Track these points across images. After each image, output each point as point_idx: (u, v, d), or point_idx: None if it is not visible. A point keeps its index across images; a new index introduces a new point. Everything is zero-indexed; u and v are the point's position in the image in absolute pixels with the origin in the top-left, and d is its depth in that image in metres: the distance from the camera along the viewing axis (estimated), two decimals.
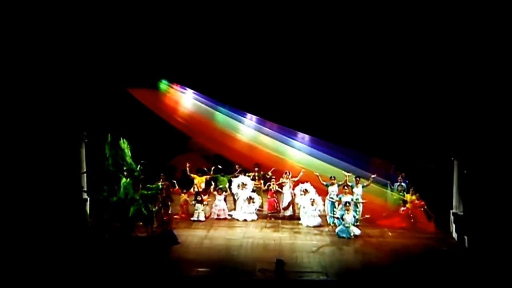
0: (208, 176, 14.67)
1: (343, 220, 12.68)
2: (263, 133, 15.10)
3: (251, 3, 13.91)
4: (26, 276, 9.71)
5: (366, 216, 13.56)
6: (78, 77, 11.85)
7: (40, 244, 10.97)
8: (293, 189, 14.18)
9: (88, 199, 12.56)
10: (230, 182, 14.55)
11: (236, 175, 14.74)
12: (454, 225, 12.88)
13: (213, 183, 14.45)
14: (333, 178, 13.82)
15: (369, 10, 13.94)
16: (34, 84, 11.65)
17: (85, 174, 12.46)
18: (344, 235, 12.54)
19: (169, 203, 12.61)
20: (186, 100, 15.13)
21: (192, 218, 13.72)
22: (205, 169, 14.88)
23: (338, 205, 13.32)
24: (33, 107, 11.67)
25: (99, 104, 12.59)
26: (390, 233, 13.07)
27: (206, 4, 13.85)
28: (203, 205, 13.90)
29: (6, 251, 10.54)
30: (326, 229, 13.25)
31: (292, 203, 14.27)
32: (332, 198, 13.65)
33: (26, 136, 11.59)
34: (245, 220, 13.86)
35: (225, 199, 14.25)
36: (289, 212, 14.29)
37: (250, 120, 15.27)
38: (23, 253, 10.55)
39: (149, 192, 12.34)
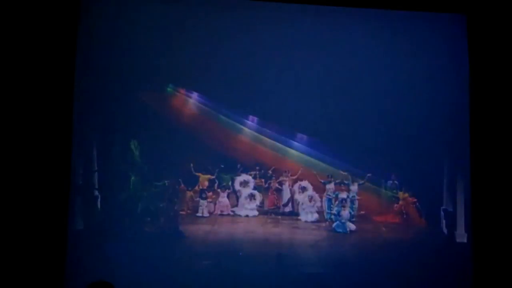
0: (212, 175, 14.77)
1: (339, 216, 13.08)
2: (264, 135, 15.24)
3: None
4: (36, 270, 10.33)
5: (362, 212, 13.90)
6: (91, 83, 11.97)
7: (52, 238, 11.29)
8: (292, 187, 14.55)
9: (99, 196, 12.75)
10: (232, 180, 14.77)
11: (239, 174, 14.95)
12: (444, 221, 13.40)
13: (217, 181, 14.63)
14: (330, 176, 14.28)
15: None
16: (47, 88, 11.64)
17: (96, 172, 12.76)
18: (341, 230, 12.94)
19: (176, 200, 13.10)
20: (191, 103, 15.16)
21: (197, 214, 13.92)
22: (209, 167, 14.89)
23: (335, 202, 13.71)
24: (46, 110, 11.64)
25: (110, 107, 12.87)
26: (384, 228, 13.45)
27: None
28: (207, 202, 14.24)
29: (15, 246, 10.88)
30: (324, 224, 13.61)
31: (291, 200, 14.73)
32: (329, 195, 14.03)
33: (41, 137, 11.60)
34: (247, 216, 14.15)
35: (228, 196, 14.51)
36: (288, 209, 14.57)
37: (252, 122, 15.40)
38: (32, 248, 10.92)
39: (156, 189, 12.76)
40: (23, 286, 10.29)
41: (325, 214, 13.92)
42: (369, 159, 14.75)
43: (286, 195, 14.53)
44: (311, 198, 13.91)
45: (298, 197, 14.19)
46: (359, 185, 14.07)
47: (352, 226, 13.13)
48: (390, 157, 14.93)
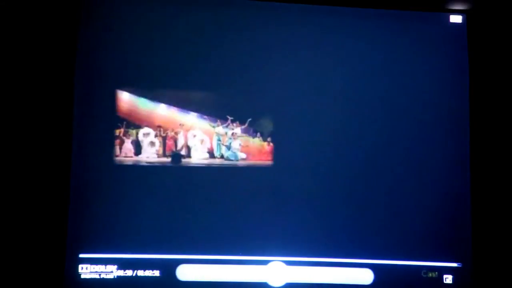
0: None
1: (230, 147, 13.16)
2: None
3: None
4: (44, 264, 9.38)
5: None
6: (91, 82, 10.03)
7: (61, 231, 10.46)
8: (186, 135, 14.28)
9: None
10: (137, 132, 14.51)
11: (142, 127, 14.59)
12: None
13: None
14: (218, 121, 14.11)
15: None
16: (47, 87, 9.56)
17: (96, 171, 11.37)
18: (233, 158, 13.08)
19: None
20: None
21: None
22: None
23: (224, 139, 13.46)
24: (54, 112, 9.74)
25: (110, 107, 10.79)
26: None
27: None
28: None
29: (20, 243, 9.86)
30: (216, 159, 13.76)
31: (185, 145, 14.14)
32: (218, 134, 13.73)
33: (41, 137, 9.92)
34: (147, 157, 13.90)
35: (131, 143, 14.07)
36: (183, 152, 14.31)
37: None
38: (39, 244, 9.96)
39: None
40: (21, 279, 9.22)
41: (215, 152, 13.71)
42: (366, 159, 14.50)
43: (180, 142, 14.73)
44: (202, 141, 13.32)
45: (191, 142, 13.87)
46: None
47: (242, 155, 13.10)
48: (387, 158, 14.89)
